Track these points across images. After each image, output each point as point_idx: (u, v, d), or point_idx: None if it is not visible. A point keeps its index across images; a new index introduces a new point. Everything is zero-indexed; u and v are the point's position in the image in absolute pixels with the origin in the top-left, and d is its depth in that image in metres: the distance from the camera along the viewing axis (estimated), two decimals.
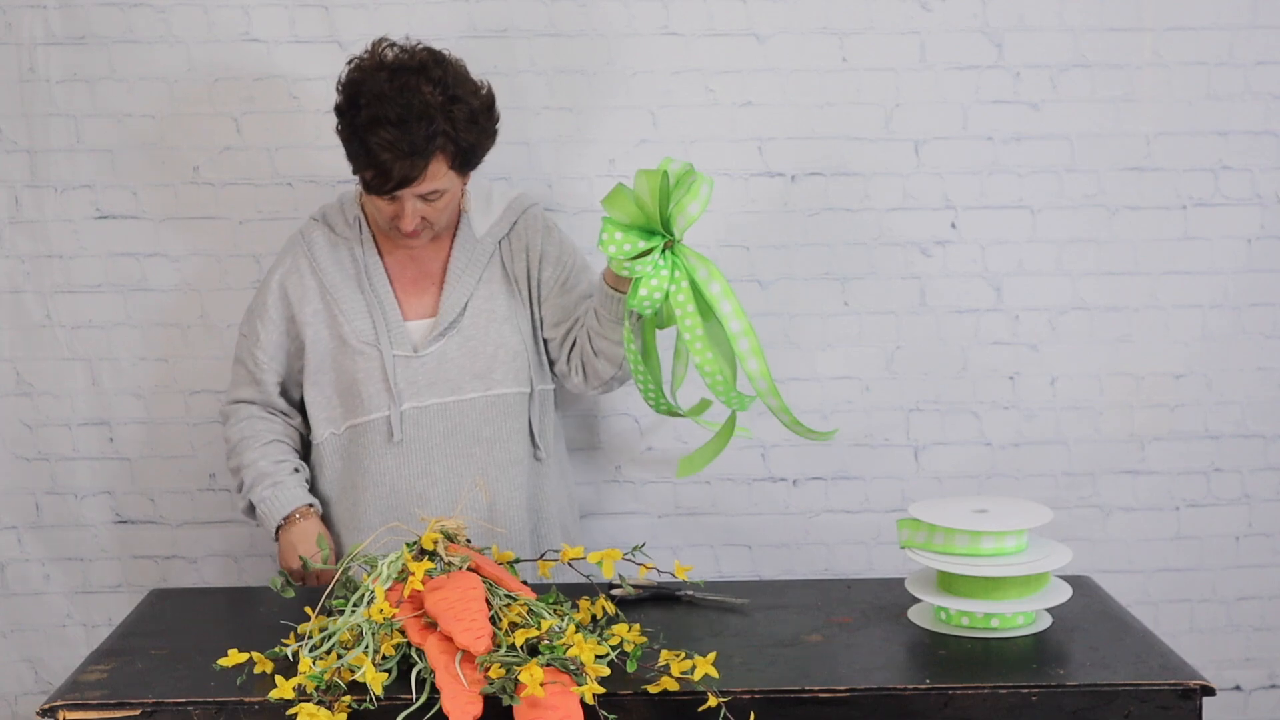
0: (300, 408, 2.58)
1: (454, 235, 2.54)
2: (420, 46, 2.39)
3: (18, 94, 2.74)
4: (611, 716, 1.81)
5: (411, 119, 2.28)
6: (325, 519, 2.54)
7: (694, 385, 2.66)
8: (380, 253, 2.53)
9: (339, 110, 2.35)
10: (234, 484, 2.55)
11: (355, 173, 2.36)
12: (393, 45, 2.37)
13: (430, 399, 2.48)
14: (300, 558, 2.42)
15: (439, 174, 2.34)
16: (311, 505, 2.49)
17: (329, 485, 2.53)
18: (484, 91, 2.41)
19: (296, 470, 2.52)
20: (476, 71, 2.45)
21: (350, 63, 2.37)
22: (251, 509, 2.51)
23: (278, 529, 2.47)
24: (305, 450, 2.60)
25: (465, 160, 2.37)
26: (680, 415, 2.53)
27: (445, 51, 2.40)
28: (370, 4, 2.72)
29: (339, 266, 2.52)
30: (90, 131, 2.75)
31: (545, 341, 2.58)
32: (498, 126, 2.44)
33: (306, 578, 2.43)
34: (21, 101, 2.74)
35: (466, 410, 2.49)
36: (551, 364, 2.59)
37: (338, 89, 2.36)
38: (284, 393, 2.56)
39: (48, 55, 2.72)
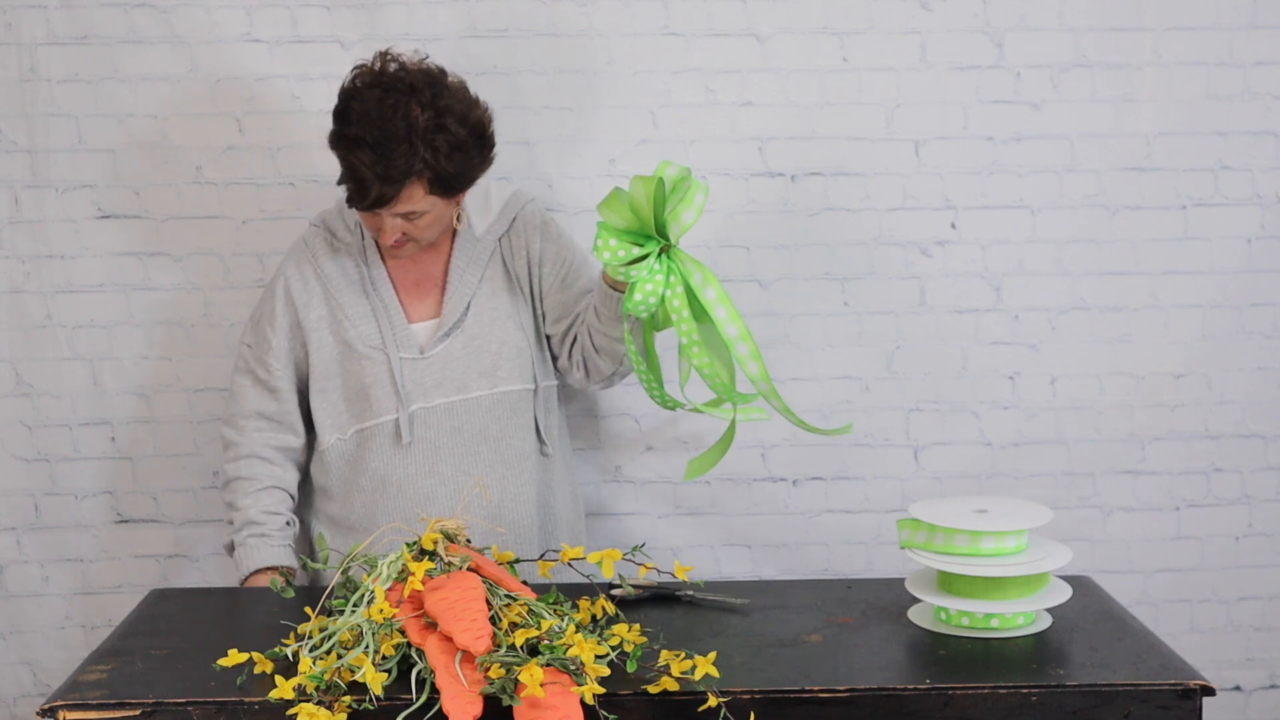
0: (308, 418, 2.58)
1: (454, 236, 2.54)
2: (421, 64, 2.38)
3: (19, 94, 2.74)
4: (611, 716, 1.81)
5: (391, 143, 2.28)
6: (331, 522, 2.54)
7: (701, 381, 2.65)
8: (382, 257, 2.53)
9: (333, 117, 2.36)
10: (226, 517, 2.56)
11: (340, 183, 2.37)
12: (395, 59, 2.37)
13: (437, 399, 2.48)
14: (281, 573, 2.42)
15: (416, 198, 2.34)
16: (291, 568, 2.49)
17: (335, 489, 2.53)
18: (476, 119, 2.38)
19: (288, 524, 2.52)
20: (476, 71, 2.45)
21: (354, 70, 2.37)
22: (232, 549, 2.52)
23: (247, 578, 2.48)
24: (306, 463, 2.61)
25: (446, 187, 2.36)
26: (685, 409, 2.53)
27: (447, 73, 2.38)
28: (371, 4, 2.72)
29: (342, 272, 2.52)
30: (92, 131, 2.75)
31: (547, 338, 2.59)
32: (492, 154, 2.43)
33: None
34: (22, 101, 2.74)
35: (472, 408, 2.49)
36: (554, 360, 2.60)
37: (338, 94, 2.37)
38: (299, 401, 2.56)
39: (49, 55, 2.72)
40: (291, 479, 2.57)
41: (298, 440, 2.56)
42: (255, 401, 2.53)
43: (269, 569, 2.47)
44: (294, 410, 2.54)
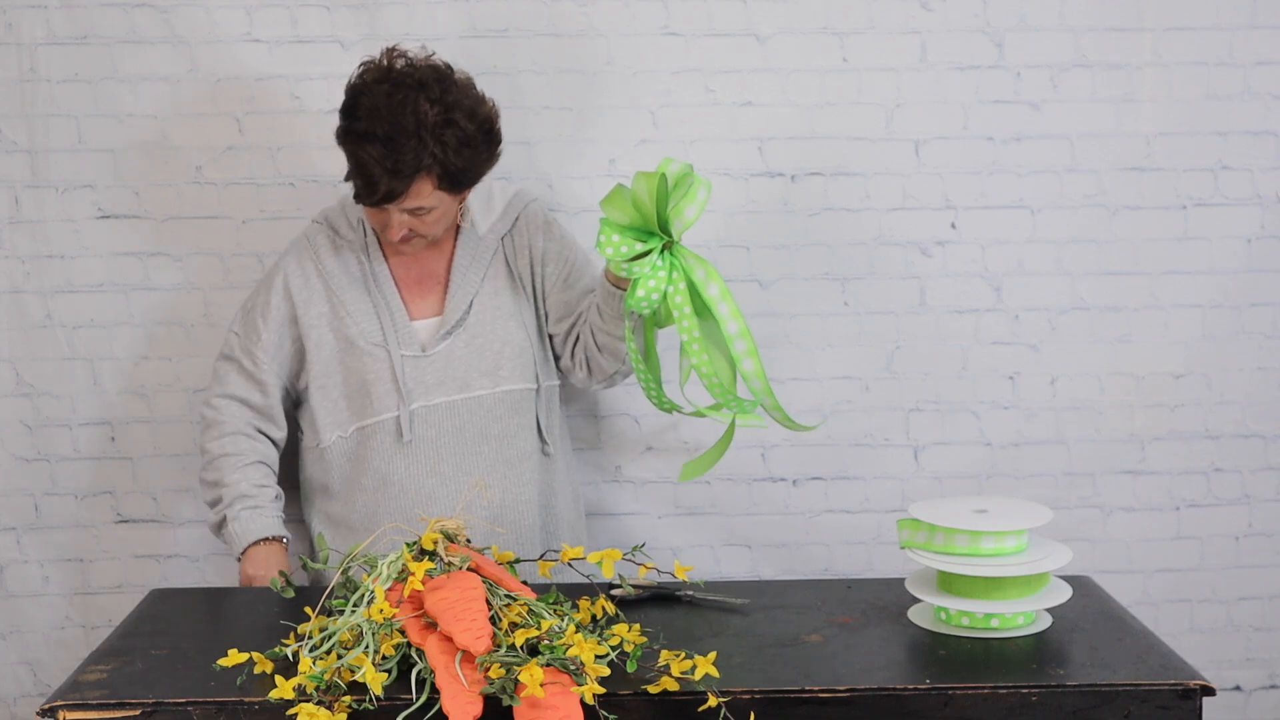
0: (291, 417, 2.58)
1: (456, 234, 2.54)
2: (428, 61, 2.38)
3: (18, 94, 2.74)
4: (611, 716, 1.81)
5: (400, 137, 2.28)
6: (331, 521, 2.54)
7: (700, 383, 2.65)
8: (384, 254, 2.53)
9: (340, 113, 2.36)
10: (207, 497, 2.54)
11: (346, 178, 2.37)
12: (403, 55, 2.37)
13: (438, 397, 2.48)
14: (281, 573, 2.42)
15: (424, 193, 2.35)
16: (284, 538, 2.50)
17: (337, 487, 2.53)
18: (484, 115, 2.39)
19: (277, 497, 2.53)
20: (476, 71, 2.46)
21: (361, 66, 2.38)
22: (222, 525, 2.50)
23: (244, 551, 2.47)
24: (288, 459, 2.61)
25: (454, 182, 2.37)
26: (683, 412, 2.54)
27: (454, 69, 2.39)
28: (371, 4, 2.72)
29: (344, 269, 2.52)
30: (92, 131, 2.75)
31: (550, 337, 2.59)
32: (499, 150, 2.44)
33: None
34: (22, 102, 2.74)
35: (474, 408, 2.49)
36: (556, 359, 2.60)
37: (345, 90, 2.37)
38: (282, 396, 2.56)
39: (49, 55, 2.72)
40: (274, 459, 2.56)
41: (279, 432, 2.57)
42: (237, 388, 2.54)
43: (265, 540, 2.46)
44: (276, 405, 2.55)
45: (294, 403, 2.60)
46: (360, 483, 2.50)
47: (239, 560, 2.49)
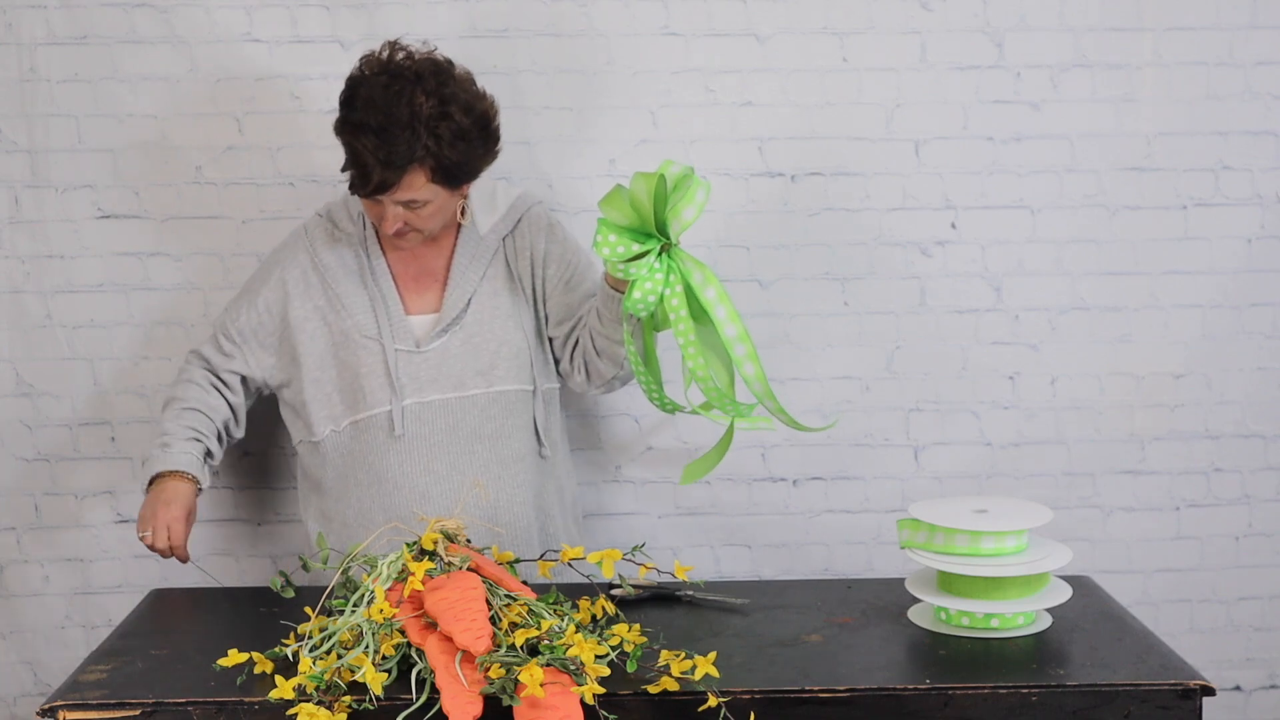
0: (277, 420, 2.59)
1: (457, 232, 2.54)
2: (427, 54, 2.39)
3: (18, 94, 2.74)
4: (611, 716, 1.81)
5: (394, 128, 2.29)
6: (325, 517, 2.54)
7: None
8: (383, 249, 2.53)
9: (339, 103, 2.37)
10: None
11: (344, 169, 2.38)
12: (403, 49, 2.38)
13: (432, 395, 2.48)
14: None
15: (417, 185, 2.35)
16: (190, 475, 2.45)
17: (330, 483, 2.53)
18: (481, 110, 2.39)
19: (198, 440, 2.50)
20: (476, 71, 2.46)
21: (362, 58, 2.39)
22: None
23: (150, 483, 2.45)
24: (286, 440, 2.61)
25: (449, 176, 2.37)
26: (685, 412, 2.53)
27: (454, 64, 2.40)
28: (371, 4, 2.72)
29: (340, 262, 2.53)
30: (92, 131, 2.75)
31: (550, 340, 2.59)
32: (497, 148, 2.44)
33: (158, 548, 2.40)
34: (22, 101, 2.74)
35: (468, 407, 2.49)
36: (555, 363, 2.60)
37: (345, 81, 2.38)
38: (244, 381, 2.57)
39: (49, 55, 2.72)
40: (218, 410, 2.55)
41: (234, 397, 2.57)
42: (211, 352, 2.57)
43: (166, 474, 2.43)
44: (235, 378, 2.56)
45: (271, 395, 2.60)
46: (355, 478, 2.50)
47: (145, 492, 2.46)
